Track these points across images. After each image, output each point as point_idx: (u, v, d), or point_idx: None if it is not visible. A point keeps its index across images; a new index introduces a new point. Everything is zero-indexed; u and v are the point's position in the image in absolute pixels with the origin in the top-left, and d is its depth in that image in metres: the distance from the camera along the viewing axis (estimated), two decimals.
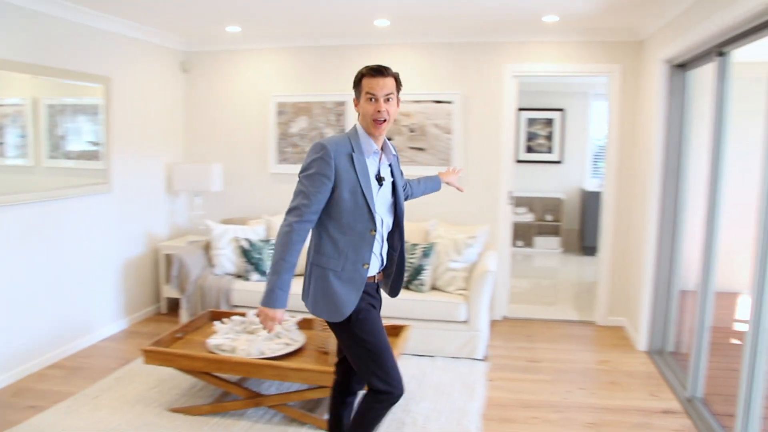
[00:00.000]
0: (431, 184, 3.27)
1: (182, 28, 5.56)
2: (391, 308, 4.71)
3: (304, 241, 2.56)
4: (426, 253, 4.92)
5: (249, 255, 5.21)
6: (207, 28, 5.55)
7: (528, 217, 9.42)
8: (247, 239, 5.29)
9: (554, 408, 3.96)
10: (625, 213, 5.56)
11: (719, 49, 3.77)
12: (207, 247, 5.43)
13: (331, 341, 3.52)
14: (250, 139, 6.12)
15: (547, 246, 9.43)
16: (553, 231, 9.53)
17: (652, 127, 4.87)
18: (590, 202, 8.67)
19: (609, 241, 5.63)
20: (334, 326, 2.69)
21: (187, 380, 4.17)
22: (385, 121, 2.57)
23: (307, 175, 2.54)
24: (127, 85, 5.33)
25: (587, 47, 5.50)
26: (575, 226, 9.79)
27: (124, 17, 5.05)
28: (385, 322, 3.79)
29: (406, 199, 3.03)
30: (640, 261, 5.10)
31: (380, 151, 2.67)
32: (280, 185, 6.06)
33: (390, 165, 2.74)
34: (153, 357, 3.68)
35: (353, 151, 2.58)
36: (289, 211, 2.55)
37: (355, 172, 2.55)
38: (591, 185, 9.30)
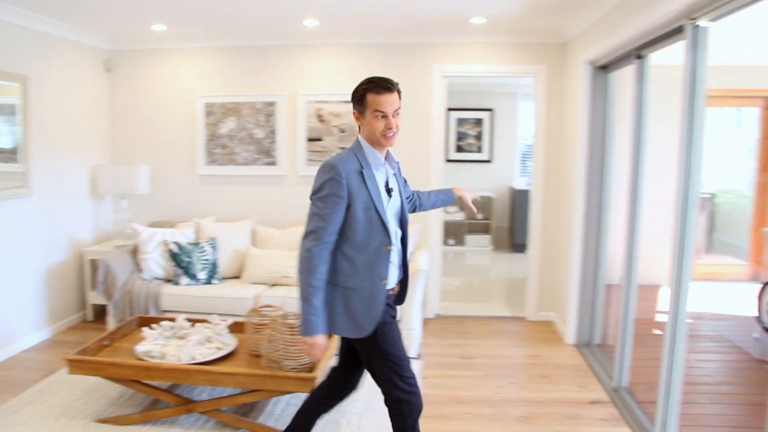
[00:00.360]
0: (443, 197, 3.19)
1: (106, 26, 5.39)
2: None
3: (327, 263, 2.54)
4: None
5: (178, 258, 5.10)
6: (132, 27, 5.40)
7: (459, 216, 9.56)
8: (176, 242, 5.18)
9: (487, 403, 4.03)
10: (552, 210, 5.71)
11: (638, 52, 3.92)
12: (134, 252, 5.29)
13: (286, 348, 3.48)
14: (177, 140, 5.99)
15: (478, 244, 9.59)
16: (484, 229, 9.69)
17: (576, 127, 5.02)
18: (519, 200, 8.87)
19: (538, 238, 5.77)
20: (355, 340, 2.68)
21: (115, 389, 4.05)
22: (395, 134, 2.58)
23: (320, 197, 2.52)
24: (46, 85, 5.13)
25: (514, 48, 5.63)
26: (505, 223, 9.99)
27: (43, 13, 4.86)
28: None
29: (413, 210, 3.09)
30: (567, 257, 5.25)
31: (386, 161, 2.67)
32: (209, 187, 5.96)
33: (395, 174, 2.73)
34: (78, 366, 3.56)
35: (362, 167, 2.56)
36: (306, 236, 2.54)
37: (367, 188, 2.54)
38: (520, 184, 9.51)
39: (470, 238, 9.59)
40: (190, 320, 4.13)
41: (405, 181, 2.94)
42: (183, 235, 5.32)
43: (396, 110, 2.56)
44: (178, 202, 6.04)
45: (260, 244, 5.45)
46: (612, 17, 4.19)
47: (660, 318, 5.84)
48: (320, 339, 2.55)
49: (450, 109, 9.49)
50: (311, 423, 3.05)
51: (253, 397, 3.50)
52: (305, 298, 2.52)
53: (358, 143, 2.64)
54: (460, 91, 9.33)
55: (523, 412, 3.89)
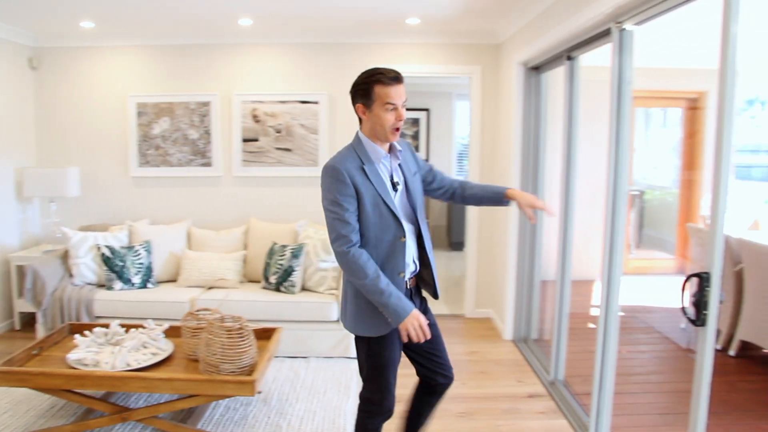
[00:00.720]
0: (491, 195, 2.80)
1: (30, 22, 5.19)
2: (262, 311, 4.67)
3: (368, 256, 2.45)
4: (295, 254, 4.89)
5: (111, 263, 4.95)
6: (58, 23, 5.21)
7: None
8: (108, 246, 5.03)
9: None
10: (489, 209, 5.80)
11: (568, 54, 4.02)
12: (64, 257, 5.11)
13: (212, 349, 3.42)
14: (109, 141, 5.81)
15: None
16: None
17: (510, 126, 5.11)
18: None
19: (474, 237, 5.85)
20: (366, 340, 2.62)
21: (45, 400, 3.90)
22: (400, 128, 2.49)
23: (332, 202, 2.46)
24: None
25: (449, 49, 5.69)
26: (443, 222, 10.08)
27: None
28: (254, 326, 3.76)
29: (450, 199, 2.89)
30: (503, 255, 5.34)
31: (388, 155, 2.57)
32: (142, 189, 5.81)
33: (399, 164, 2.61)
34: (4, 378, 3.40)
35: (363, 162, 2.49)
36: (335, 242, 2.46)
37: (372, 183, 2.47)
38: None
39: None
40: (124, 326, 4.01)
41: (430, 168, 2.82)
42: (116, 239, 5.17)
43: (404, 102, 2.46)
44: (110, 204, 5.86)
45: (196, 247, 5.35)
46: (543, 20, 4.29)
47: (593, 312, 6.01)
48: (415, 314, 2.44)
49: None
50: (423, 423, 3.05)
51: (191, 402, 3.43)
52: (374, 293, 2.42)
53: (357, 139, 2.58)
54: None
55: (464, 409, 3.94)
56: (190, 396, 3.40)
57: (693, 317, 2.36)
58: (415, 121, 9.78)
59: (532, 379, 4.43)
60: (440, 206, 10.04)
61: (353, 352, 4.74)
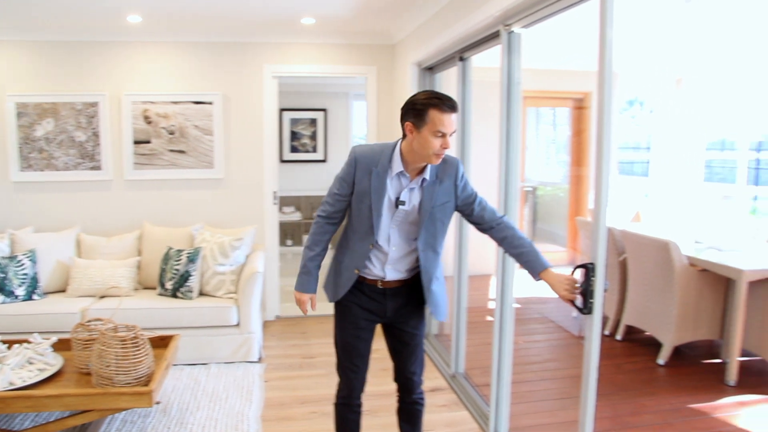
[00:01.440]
0: (527, 263, 2.61)
1: None
2: (159, 319, 4.52)
3: (327, 233, 2.75)
4: (191, 259, 4.77)
5: None
6: None
7: (296, 216, 9.53)
8: None
9: (331, 400, 4.00)
10: None
11: (461, 54, 4.11)
12: None
13: (96, 360, 3.27)
14: None
15: None
16: None
17: None
18: None
19: None
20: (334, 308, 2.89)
21: None
22: (443, 155, 2.51)
23: (336, 176, 2.71)
24: None
25: (345, 49, 5.70)
26: (343, 222, 10.08)
27: None
28: (150, 334, 3.63)
29: (483, 230, 2.73)
30: None
31: (407, 175, 2.57)
32: (25, 195, 5.46)
33: (423, 189, 2.58)
34: None
35: (377, 166, 2.56)
36: (320, 207, 2.77)
37: (371, 186, 2.56)
38: None
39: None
40: (6, 342, 3.76)
41: (471, 201, 2.68)
42: None
43: (453, 132, 2.45)
44: None
45: (86, 254, 5.11)
46: (436, 21, 4.37)
47: (491, 305, 6.19)
48: (306, 296, 2.83)
49: (283, 110, 9.43)
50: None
51: (85, 418, 3.28)
52: (303, 257, 2.79)
53: (393, 145, 2.60)
54: (293, 92, 9.29)
55: (367, 406, 3.94)
56: (83, 411, 3.24)
57: (581, 306, 2.47)
58: (313, 121, 9.73)
59: (433, 374, 4.50)
60: None
61: (255, 356, 4.68)
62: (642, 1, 4.67)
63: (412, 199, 2.59)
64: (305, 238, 9.78)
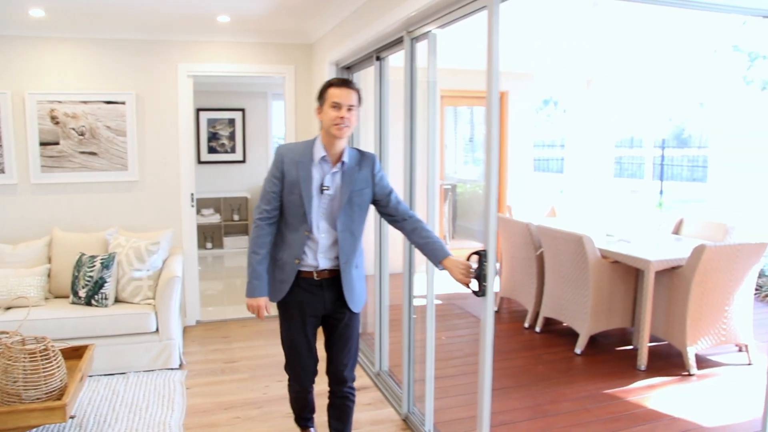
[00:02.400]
0: (430, 252, 2.89)
1: None
2: (72, 329, 4.34)
3: (269, 235, 2.85)
4: (106, 265, 4.60)
5: None
6: None
7: (215, 218, 9.36)
8: None
9: (254, 405, 4.00)
10: None
11: (377, 54, 4.13)
12: None
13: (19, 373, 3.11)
14: None
15: (236, 245, 9.46)
16: (242, 230, 9.60)
17: None
18: None
19: None
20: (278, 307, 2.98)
21: None
22: (345, 127, 2.71)
23: (266, 178, 2.85)
24: None
25: (263, 48, 5.63)
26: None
27: None
28: (63, 345, 3.49)
29: (392, 221, 2.98)
30: None
31: (329, 161, 2.79)
32: None
33: (343, 174, 2.81)
34: None
35: (302, 158, 2.79)
36: (255, 211, 2.86)
37: (299, 177, 2.76)
38: None
39: (228, 240, 9.43)
40: None
41: (387, 193, 2.93)
42: None
43: (350, 105, 2.72)
44: None
45: None
46: (351, 21, 4.38)
47: (414, 302, 6.23)
48: (262, 301, 2.87)
49: (200, 110, 9.24)
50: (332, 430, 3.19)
51: None
52: (250, 263, 2.86)
53: (316, 137, 2.84)
54: (210, 91, 9.12)
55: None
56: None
57: (476, 289, 2.71)
58: (231, 122, 9.57)
59: (358, 372, 4.50)
60: None
61: (175, 363, 4.57)
62: (553, 4, 4.82)
63: (334, 183, 2.81)
64: (225, 240, 9.64)
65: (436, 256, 2.86)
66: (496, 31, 2.66)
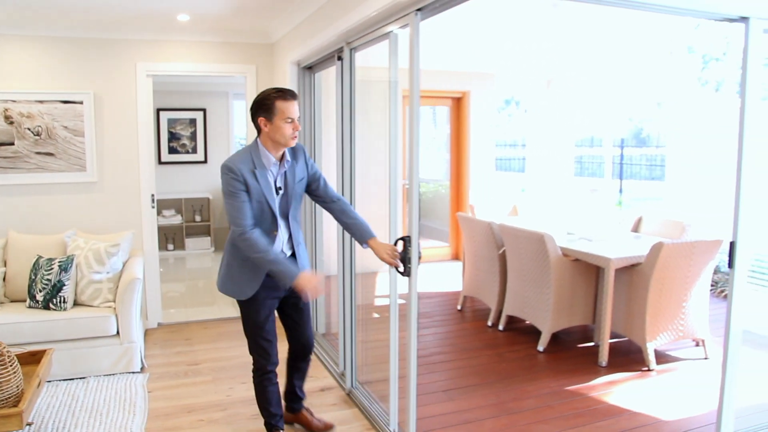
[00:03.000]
0: (357, 233, 3.26)
1: None
2: (29, 333, 4.25)
3: (261, 235, 2.94)
4: (64, 267, 4.51)
5: None
6: None
7: (176, 219, 9.24)
8: None
9: (218, 407, 3.96)
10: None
11: (339, 54, 4.12)
12: None
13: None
14: None
15: (199, 246, 9.37)
16: (204, 231, 9.50)
17: None
18: None
19: None
20: (239, 303, 3.14)
21: None
22: (296, 139, 2.97)
23: (228, 194, 2.92)
24: None
25: (224, 48, 5.58)
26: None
27: None
28: (19, 350, 3.42)
29: (324, 205, 3.30)
30: None
31: (278, 162, 3.02)
32: None
33: (285, 172, 3.06)
34: None
35: (255, 167, 2.94)
36: (236, 228, 2.92)
37: (259, 185, 2.94)
38: None
39: (190, 242, 9.33)
40: None
41: (318, 178, 3.23)
42: None
43: (298, 117, 2.97)
44: None
45: None
46: (312, 21, 4.37)
47: (377, 302, 6.25)
48: (306, 274, 2.93)
49: (160, 110, 9.11)
50: (297, 387, 3.58)
51: None
52: (268, 264, 2.92)
53: (255, 145, 3.00)
54: (170, 91, 9.01)
55: (256, 411, 3.87)
56: None
57: (402, 270, 3.12)
58: (192, 122, 9.46)
59: (322, 373, 4.50)
60: (222, 208, 9.84)
61: (137, 367, 4.50)
62: (513, 4, 4.87)
63: (284, 183, 3.07)
64: (187, 241, 9.52)
65: (363, 236, 3.22)
66: (417, 44, 3.00)
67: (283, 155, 3.04)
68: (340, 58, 4.13)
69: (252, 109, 2.99)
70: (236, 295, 3.11)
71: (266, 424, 3.31)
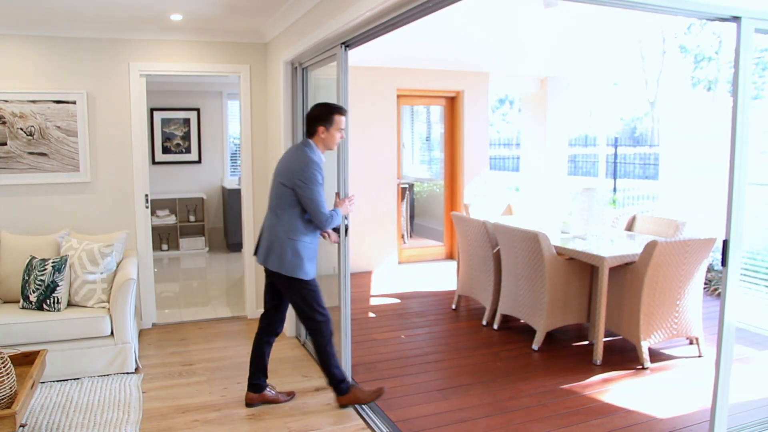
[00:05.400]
0: None
1: None
2: (22, 334, 4.23)
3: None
4: (57, 268, 4.49)
5: None
6: None
7: (170, 220, 9.22)
8: None
9: (213, 407, 3.95)
10: (263, 208, 5.72)
11: (333, 53, 4.12)
12: None
13: None
14: None
15: (193, 246, 9.35)
16: (198, 231, 9.48)
17: (280, 125, 5.13)
18: (232, 199, 8.82)
19: (251, 237, 5.79)
20: (302, 282, 3.67)
21: None
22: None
23: (316, 183, 3.56)
24: None
25: (217, 47, 5.56)
26: (219, 224, 9.87)
27: None
28: (12, 351, 3.40)
29: None
30: None
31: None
32: None
33: None
34: None
35: (322, 163, 3.65)
36: (321, 210, 3.57)
37: (323, 178, 3.61)
38: (231, 183, 9.46)
39: (184, 242, 9.31)
40: None
41: None
42: None
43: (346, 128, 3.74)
44: None
45: None
46: (306, 21, 4.36)
47: (372, 301, 6.25)
48: (343, 206, 3.84)
49: (154, 109, 9.09)
50: (264, 362, 3.96)
51: None
52: (335, 223, 3.68)
53: (310, 145, 3.67)
54: (164, 90, 8.99)
55: (251, 410, 3.89)
56: None
57: (337, 241, 3.98)
58: (186, 121, 9.45)
59: (317, 373, 4.49)
60: (216, 208, 9.83)
61: (131, 367, 4.49)
62: (508, 3, 4.89)
63: None
64: (182, 241, 9.52)
65: None
66: (345, 71, 3.81)
67: None
68: (331, 58, 4.13)
69: (313, 118, 3.65)
70: (308, 275, 3.65)
71: (342, 381, 3.85)
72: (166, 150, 9.41)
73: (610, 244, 5.02)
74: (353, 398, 3.86)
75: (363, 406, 3.86)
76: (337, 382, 3.85)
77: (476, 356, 4.82)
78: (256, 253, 3.86)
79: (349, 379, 4.03)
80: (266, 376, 3.97)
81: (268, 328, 3.96)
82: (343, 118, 3.65)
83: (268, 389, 3.98)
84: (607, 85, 8.49)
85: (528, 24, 5.55)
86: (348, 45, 3.91)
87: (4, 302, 4.72)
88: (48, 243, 4.86)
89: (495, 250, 5.50)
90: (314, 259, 3.71)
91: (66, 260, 4.55)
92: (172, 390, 4.23)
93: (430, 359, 4.80)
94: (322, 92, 4.81)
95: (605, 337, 4.71)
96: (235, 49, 5.62)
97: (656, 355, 4.78)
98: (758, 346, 5.10)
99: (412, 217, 9.37)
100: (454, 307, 6.12)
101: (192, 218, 9.39)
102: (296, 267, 3.61)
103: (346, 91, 3.97)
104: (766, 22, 2.87)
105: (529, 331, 5.13)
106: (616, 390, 4.17)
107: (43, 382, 4.28)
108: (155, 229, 8.79)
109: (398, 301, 6.37)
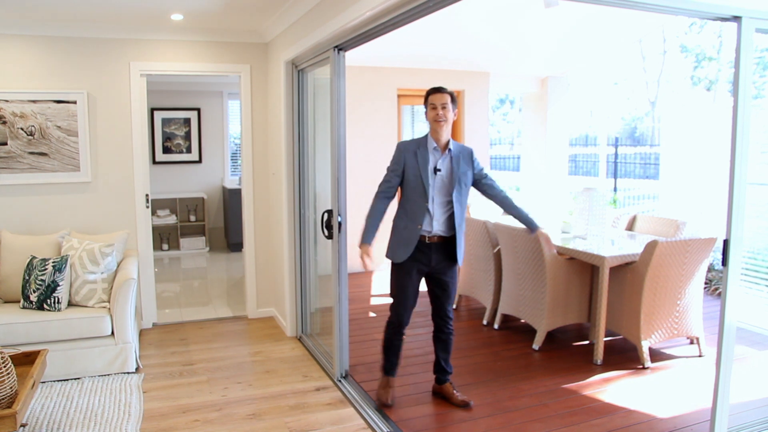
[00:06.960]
0: (525, 220, 4.25)
1: None
2: (23, 334, 4.23)
3: (383, 204, 3.74)
4: (58, 268, 4.49)
5: None
6: None
7: (171, 219, 9.22)
8: None
9: (214, 407, 3.96)
10: (263, 207, 5.78)
11: (327, 57, 4.12)
12: None
13: None
14: None
15: (193, 246, 9.35)
16: (199, 231, 9.48)
17: (280, 125, 5.13)
18: (232, 199, 8.82)
19: (252, 237, 5.80)
20: (393, 265, 3.79)
21: None
22: (442, 122, 3.62)
23: (389, 165, 3.74)
24: None
25: (218, 47, 5.56)
26: (220, 224, 9.87)
27: None
28: (13, 351, 3.41)
29: (485, 194, 3.96)
30: (280, 252, 5.35)
31: (440, 149, 3.67)
32: None
33: (451, 160, 3.67)
34: None
35: (418, 148, 3.67)
36: (379, 186, 3.74)
37: (417, 162, 3.64)
38: (232, 183, 9.47)
39: (185, 241, 9.31)
40: None
41: (483, 174, 3.86)
42: None
43: (443, 104, 3.62)
44: None
45: None
46: (307, 20, 4.36)
47: (372, 301, 6.24)
48: (364, 246, 3.71)
49: (155, 109, 9.09)
50: (441, 360, 4.01)
51: None
52: (366, 217, 3.74)
53: (427, 133, 3.72)
54: (165, 90, 8.99)
55: (252, 410, 3.89)
56: None
57: (327, 234, 4.09)
58: (186, 121, 9.45)
59: (318, 373, 4.49)
60: (217, 208, 9.83)
61: (132, 367, 4.49)
62: (508, 4, 4.89)
63: (444, 166, 3.67)
64: (182, 241, 9.52)
65: (531, 223, 4.27)
66: (339, 74, 3.88)
67: (446, 146, 3.67)
68: (329, 59, 4.13)
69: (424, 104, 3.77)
70: (393, 258, 3.73)
71: (383, 367, 3.93)
72: (166, 150, 9.41)
73: (610, 244, 5.02)
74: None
75: (363, 406, 3.85)
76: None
77: (477, 356, 4.82)
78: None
79: (343, 376, 4.02)
80: (443, 371, 4.04)
81: (438, 327, 3.98)
82: (433, 95, 3.68)
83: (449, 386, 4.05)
84: (608, 84, 8.48)
85: (528, 23, 5.55)
86: (341, 48, 3.95)
87: (5, 302, 4.73)
88: (48, 243, 4.86)
89: (495, 250, 5.50)
90: (405, 237, 3.74)
91: (66, 260, 4.56)
92: (173, 390, 4.24)
93: (431, 359, 4.78)
94: (321, 92, 4.81)
95: (606, 336, 4.71)
96: (236, 49, 5.61)
97: (657, 355, 4.78)
98: (759, 346, 5.10)
99: None
100: (454, 306, 6.11)
101: (192, 218, 9.39)
102: (392, 250, 3.78)
103: (341, 93, 4.04)
104: (766, 22, 2.87)
105: (530, 331, 5.13)
106: (616, 390, 4.17)
107: (44, 382, 4.28)
108: (156, 229, 8.79)
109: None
